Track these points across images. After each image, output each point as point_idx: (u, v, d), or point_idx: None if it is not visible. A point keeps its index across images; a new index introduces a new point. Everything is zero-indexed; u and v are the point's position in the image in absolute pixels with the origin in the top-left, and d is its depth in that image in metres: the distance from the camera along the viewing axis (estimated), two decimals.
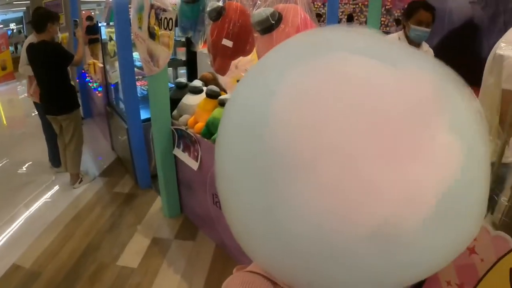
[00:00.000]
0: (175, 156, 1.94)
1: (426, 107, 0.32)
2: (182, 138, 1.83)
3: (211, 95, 1.73)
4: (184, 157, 1.84)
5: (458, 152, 0.32)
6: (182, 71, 3.09)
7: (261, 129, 0.33)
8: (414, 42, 1.84)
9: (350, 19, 7.59)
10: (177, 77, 3.03)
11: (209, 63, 1.39)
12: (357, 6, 7.42)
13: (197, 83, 1.88)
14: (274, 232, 0.33)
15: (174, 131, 1.85)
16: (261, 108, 0.33)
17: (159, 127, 1.88)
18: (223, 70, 1.33)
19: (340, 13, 7.17)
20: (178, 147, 1.88)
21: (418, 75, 0.34)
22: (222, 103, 1.64)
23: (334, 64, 0.34)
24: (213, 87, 1.75)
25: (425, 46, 1.97)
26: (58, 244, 1.94)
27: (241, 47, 1.26)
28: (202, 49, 2.54)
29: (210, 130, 1.64)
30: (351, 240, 0.31)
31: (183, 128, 1.78)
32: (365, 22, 7.29)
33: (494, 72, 1.22)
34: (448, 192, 0.31)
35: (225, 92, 1.84)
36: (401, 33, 1.94)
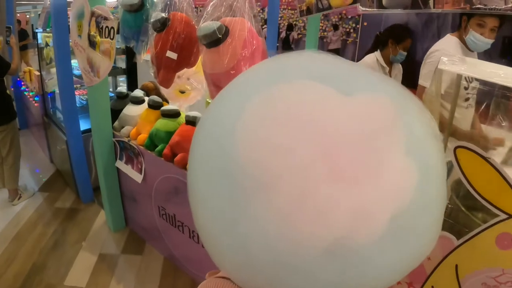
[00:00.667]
0: (118, 168, 1.88)
1: (380, 132, 0.34)
2: (124, 150, 1.78)
3: (154, 106, 1.70)
4: (127, 169, 1.79)
5: (413, 174, 0.34)
6: (122, 79, 2.98)
7: (227, 147, 0.35)
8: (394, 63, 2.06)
9: (290, 28, 7.80)
10: (116, 86, 2.93)
11: (151, 74, 1.36)
12: (296, 11, 7.59)
13: (138, 93, 1.84)
14: (237, 246, 0.35)
15: (116, 143, 1.79)
16: (228, 126, 0.36)
17: (100, 139, 1.81)
18: (167, 83, 1.32)
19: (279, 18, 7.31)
20: (121, 159, 1.82)
21: (374, 102, 0.36)
22: (165, 114, 1.62)
23: (294, 91, 0.36)
24: (155, 98, 1.72)
25: (396, 68, 2.14)
26: (1, 266, 1.80)
27: (186, 59, 1.25)
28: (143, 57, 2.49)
29: (154, 142, 1.61)
30: (305, 259, 0.33)
31: (125, 140, 1.73)
32: (303, 27, 7.52)
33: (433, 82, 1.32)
34: (401, 213, 0.33)
35: (167, 102, 1.81)
36: (378, 53, 2.08)
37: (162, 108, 1.63)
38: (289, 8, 7.67)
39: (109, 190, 1.92)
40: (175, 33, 1.19)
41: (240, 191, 0.34)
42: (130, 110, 1.79)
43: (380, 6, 1.39)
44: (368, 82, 0.39)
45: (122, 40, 1.47)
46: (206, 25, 0.99)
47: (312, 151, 0.33)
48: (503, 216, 0.78)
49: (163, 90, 1.82)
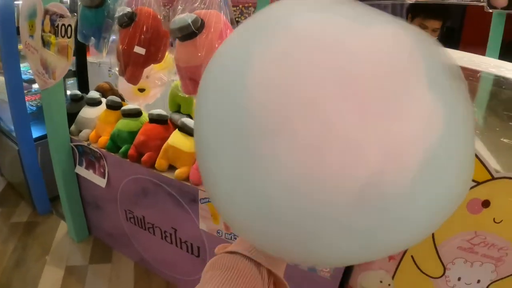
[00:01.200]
0: (77, 175, 1.78)
1: (403, 64, 0.31)
2: (84, 155, 1.69)
3: (113, 106, 1.63)
4: (88, 175, 1.70)
5: (439, 109, 0.31)
6: (70, 82, 2.81)
7: (238, 90, 0.32)
8: None
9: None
10: (65, 89, 2.75)
11: (116, 72, 1.30)
12: (238, 8, 7.60)
13: (94, 94, 1.75)
14: (251, 197, 0.32)
15: (75, 148, 1.70)
16: (239, 70, 0.33)
17: (57, 145, 1.70)
18: (135, 79, 1.26)
19: None
20: (81, 164, 1.73)
21: (394, 33, 0.33)
22: (126, 114, 1.55)
23: (307, 24, 0.33)
24: (113, 98, 1.65)
25: None
26: None
27: (154, 54, 1.21)
28: (90, 57, 2.36)
29: (116, 143, 1.54)
30: (332, 203, 0.29)
31: (85, 143, 1.64)
32: None
33: None
34: (433, 148, 0.30)
35: (126, 102, 1.74)
36: None
37: (123, 108, 1.57)
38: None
39: (70, 198, 1.81)
40: (143, 28, 1.15)
41: (254, 133, 0.30)
42: (87, 112, 1.70)
43: None
44: (384, 17, 0.35)
45: (80, 38, 1.38)
46: (181, 18, 0.97)
47: (334, 82, 0.30)
48: (472, 183, 0.84)
49: (120, 89, 1.75)
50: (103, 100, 1.72)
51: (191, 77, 1.05)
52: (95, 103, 1.71)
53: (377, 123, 0.29)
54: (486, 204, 0.90)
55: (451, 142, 0.32)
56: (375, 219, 0.30)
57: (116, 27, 1.21)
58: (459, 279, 1.03)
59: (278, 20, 0.35)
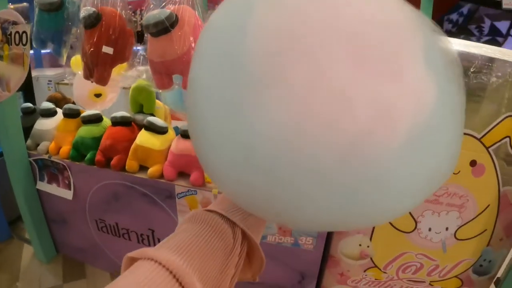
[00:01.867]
0: (39, 191, 1.68)
1: (406, 34, 0.32)
2: (44, 169, 1.60)
3: (71, 114, 1.56)
4: (51, 189, 1.61)
5: (432, 85, 0.31)
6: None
7: (238, 36, 0.31)
8: None
9: None
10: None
11: (80, 74, 1.26)
12: None
13: (48, 104, 1.67)
14: (235, 143, 0.31)
15: (34, 162, 1.60)
16: (240, 18, 0.32)
17: (14, 162, 1.60)
18: (104, 80, 1.23)
19: None
20: (42, 180, 1.63)
21: (400, 4, 0.33)
22: (86, 120, 1.50)
23: None
24: (70, 106, 1.58)
25: None
26: None
27: (121, 53, 1.20)
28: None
29: (80, 151, 1.49)
30: (316, 156, 0.29)
31: (45, 157, 1.56)
32: None
33: None
34: (423, 120, 0.30)
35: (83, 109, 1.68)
36: None
37: (82, 115, 1.52)
38: None
39: (34, 218, 1.71)
40: (109, 27, 1.14)
41: (250, 76, 0.30)
42: (43, 124, 1.62)
43: None
44: None
45: (37, 44, 1.31)
46: (156, 14, 0.98)
47: (330, 31, 0.29)
48: None
49: (75, 98, 1.69)
50: (58, 110, 1.65)
51: (165, 71, 1.06)
52: (50, 113, 1.63)
53: (371, 80, 0.29)
54: None
55: (441, 118, 0.32)
56: (358, 179, 0.30)
57: (80, 28, 1.19)
58: (429, 229, 1.12)
59: None
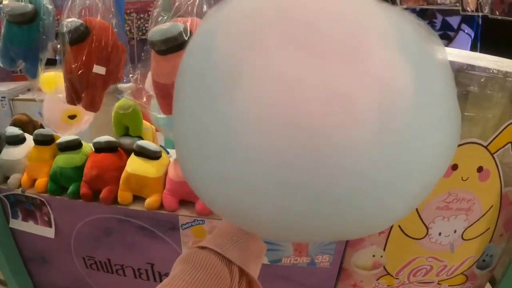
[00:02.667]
0: (13, 231, 1.50)
1: (366, 24, 0.31)
2: (18, 205, 1.42)
3: (44, 141, 1.39)
4: (28, 227, 1.44)
5: (406, 71, 0.30)
6: None
7: (211, 42, 0.35)
8: None
9: None
10: None
11: (61, 99, 1.09)
12: None
13: (14, 130, 1.46)
14: (217, 125, 0.33)
15: (4, 199, 1.41)
16: (211, 27, 0.36)
17: None
18: (96, 105, 1.08)
19: None
20: (15, 217, 1.45)
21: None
22: (63, 148, 1.34)
23: None
24: (42, 131, 1.40)
25: None
26: None
27: (114, 73, 1.05)
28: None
29: (59, 184, 1.33)
30: (279, 151, 0.29)
31: (18, 191, 1.38)
32: None
33: None
34: (398, 110, 0.28)
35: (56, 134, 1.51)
36: None
37: (59, 141, 1.35)
38: None
39: (10, 261, 1.52)
40: (100, 42, 0.97)
41: (219, 81, 0.33)
42: (11, 153, 1.42)
43: None
44: None
45: (5, 63, 1.11)
46: (165, 28, 0.84)
47: (285, 23, 0.31)
48: None
49: (47, 120, 1.51)
50: (27, 135, 1.46)
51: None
52: (19, 140, 1.43)
53: (321, 65, 0.29)
54: (455, 167, 1.03)
55: (426, 110, 0.31)
56: (324, 176, 0.29)
57: (61, 43, 1.01)
58: (439, 234, 1.16)
59: None
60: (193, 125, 0.35)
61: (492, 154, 1.05)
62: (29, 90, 2.74)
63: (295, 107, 0.28)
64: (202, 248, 0.44)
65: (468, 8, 1.31)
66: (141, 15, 3.04)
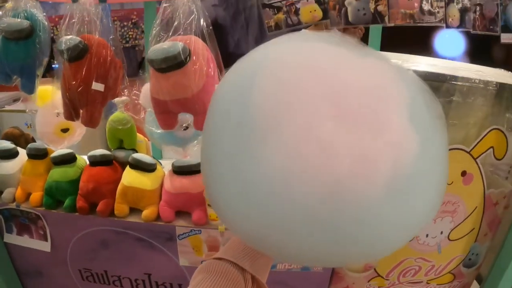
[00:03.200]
0: (7, 245, 1.49)
1: (387, 90, 0.38)
2: (12, 219, 1.42)
3: (37, 155, 1.39)
4: (23, 241, 1.44)
5: (414, 138, 0.37)
6: None
7: (246, 97, 0.37)
8: None
9: None
10: None
11: (58, 115, 1.09)
12: None
13: (6, 144, 1.46)
14: (239, 180, 0.37)
15: None
16: (248, 82, 0.39)
17: None
18: (95, 121, 1.10)
19: None
20: (10, 232, 1.45)
21: (384, 66, 0.40)
22: (58, 162, 1.35)
23: (309, 49, 0.40)
24: (36, 145, 1.41)
25: None
26: None
27: (112, 89, 1.07)
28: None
29: (55, 197, 1.34)
30: (303, 195, 0.34)
31: (12, 206, 1.38)
32: None
33: None
34: (402, 173, 0.35)
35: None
36: None
37: (53, 155, 1.36)
38: None
39: (5, 276, 1.51)
40: (99, 59, 0.99)
41: (253, 133, 0.36)
42: (4, 168, 1.42)
43: (347, 22, 1.58)
44: (377, 53, 0.44)
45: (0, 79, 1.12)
46: (166, 47, 0.86)
47: (320, 91, 0.36)
48: None
49: (39, 134, 1.52)
50: (20, 149, 1.46)
51: (175, 110, 0.96)
52: (11, 154, 1.43)
53: (351, 134, 0.35)
54: None
55: (425, 168, 0.38)
56: (341, 219, 0.36)
57: (59, 61, 1.03)
58: (427, 235, 1.21)
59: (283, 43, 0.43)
60: (229, 166, 0.38)
61: (475, 159, 1.10)
62: (15, 100, 2.71)
63: (329, 166, 0.34)
64: (219, 259, 0.48)
65: (451, 25, 1.41)
66: (125, 23, 3.02)
